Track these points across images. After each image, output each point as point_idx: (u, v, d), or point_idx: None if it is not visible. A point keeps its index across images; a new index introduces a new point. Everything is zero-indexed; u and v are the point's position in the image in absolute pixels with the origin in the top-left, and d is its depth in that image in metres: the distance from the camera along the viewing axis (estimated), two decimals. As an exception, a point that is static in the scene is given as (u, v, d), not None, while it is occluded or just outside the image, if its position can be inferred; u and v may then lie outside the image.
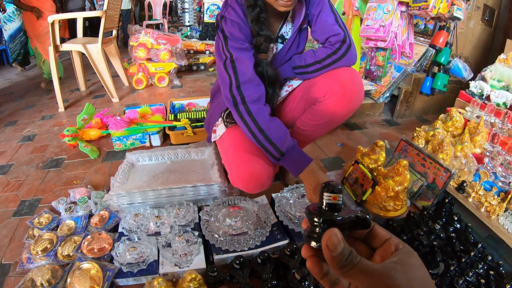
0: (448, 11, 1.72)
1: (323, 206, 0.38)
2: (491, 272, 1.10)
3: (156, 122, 2.12)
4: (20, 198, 1.64)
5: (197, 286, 1.03)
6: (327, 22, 1.28)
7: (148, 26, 5.92)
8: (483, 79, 2.01)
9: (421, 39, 2.62)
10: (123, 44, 6.60)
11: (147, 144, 2.09)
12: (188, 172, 1.65)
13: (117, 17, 3.22)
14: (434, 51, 2.03)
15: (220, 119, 1.43)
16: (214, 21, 1.36)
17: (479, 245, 1.17)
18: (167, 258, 1.14)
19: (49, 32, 2.75)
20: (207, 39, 5.13)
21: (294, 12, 1.33)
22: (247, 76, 1.20)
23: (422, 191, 1.48)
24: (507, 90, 1.85)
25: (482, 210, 1.34)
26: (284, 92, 1.44)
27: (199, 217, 1.31)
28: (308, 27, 1.37)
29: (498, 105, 1.81)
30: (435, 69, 2.02)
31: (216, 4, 5.28)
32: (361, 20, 2.27)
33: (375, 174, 1.41)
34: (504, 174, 1.45)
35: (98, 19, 2.90)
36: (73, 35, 3.78)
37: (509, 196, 1.32)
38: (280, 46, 1.37)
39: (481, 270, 1.10)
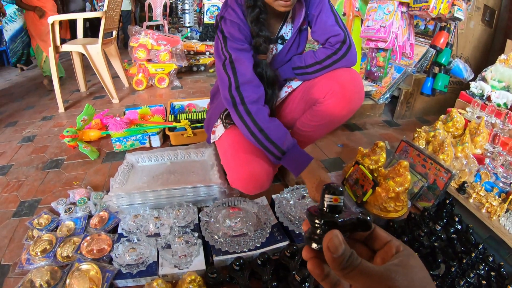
0: (449, 11, 1.72)
1: (324, 208, 0.39)
2: (492, 273, 1.09)
3: (156, 123, 2.11)
4: (20, 199, 1.64)
5: (197, 288, 1.03)
6: (327, 23, 1.27)
7: (148, 27, 5.93)
8: (484, 79, 2.00)
9: (422, 39, 2.62)
10: (123, 45, 6.61)
11: (147, 145, 2.09)
12: (188, 173, 1.64)
13: (117, 18, 3.22)
14: (434, 51, 2.03)
15: (219, 120, 1.42)
16: (214, 22, 1.36)
17: (480, 246, 1.16)
18: (166, 260, 1.13)
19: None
20: (207, 40, 5.14)
21: (294, 12, 1.32)
22: (247, 77, 1.20)
23: (422, 192, 1.47)
24: (508, 91, 1.84)
25: (483, 211, 1.34)
26: (284, 93, 1.44)
27: (199, 218, 1.30)
28: (308, 27, 1.37)
29: (498, 105, 1.81)
30: (436, 69, 2.02)
31: (216, 5, 5.29)
32: (362, 21, 2.26)
33: (375, 175, 1.41)
34: (505, 174, 1.45)
35: (98, 20, 2.91)
36: (74, 36, 3.79)
37: (510, 196, 1.31)
38: (280, 47, 1.37)
39: (482, 271, 1.09)
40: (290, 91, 1.43)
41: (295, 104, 1.44)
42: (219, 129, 1.42)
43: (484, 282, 1.06)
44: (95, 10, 6.56)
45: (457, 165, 1.52)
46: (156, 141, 2.09)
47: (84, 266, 1.11)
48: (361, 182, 1.40)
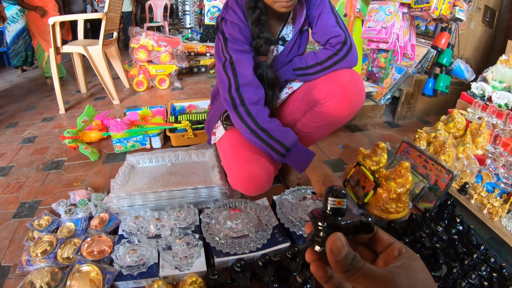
0: (450, 12, 1.71)
1: (328, 211, 0.39)
2: (494, 274, 1.09)
3: (157, 124, 2.11)
4: (20, 200, 1.64)
5: (198, 289, 1.03)
6: (328, 24, 1.27)
7: (149, 28, 5.94)
8: (485, 80, 2.00)
9: (422, 40, 2.62)
10: (124, 46, 6.63)
11: (148, 146, 2.09)
12: (189, 174, 1.64)
13: (117, 19, 3.22)
14: (435, 52, 2.03)
15: (219, 122, 1.42)
16: (215, 23, 1.37)
17: (482, 247, 1.16)
18: (167, 261, 1.13)
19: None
20: (208, 41, 5.14)
21: (294, 13, 1.32)
22: (247, 79, 1.20)
23: (424, 193, 1.47)
24: (509, 91, 1.84)
25: (485, 211, 1.33)
26: (284, 94, 1.44)
27: (200, 219, 1.30)
28: (309, 28, 1.37)
29: (499, 106, 1.81)
30: (437, 70, 2.02)
31: (216, 6, 5.30)
32: (363, 21, 2.26)
33: (377, 176, 1.40)
34: (506, 175, 1.45)
35: (99, 21, 2.91)
36: (75, 37, 3.80)
37: (512, 197, 1.31)
38: (281, 48, 1.37)
39: (484, 272, 1.09)
40: (290, 92, 1.43)
41: (295, 105, 1.44)
42: (219, 131, 1.42)
43: (485, 283, 1.06)
44: (96, 11, 6.57)
45: (458, 166, 1.51)
46: (156, 142, 2.09)
47: (85, 268, 1.11)
48: (362, 183, 1.39)
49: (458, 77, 2.04)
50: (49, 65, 3.42)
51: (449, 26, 1.87)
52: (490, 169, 1.49)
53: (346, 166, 1.59)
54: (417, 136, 1.70)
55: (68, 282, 1.06)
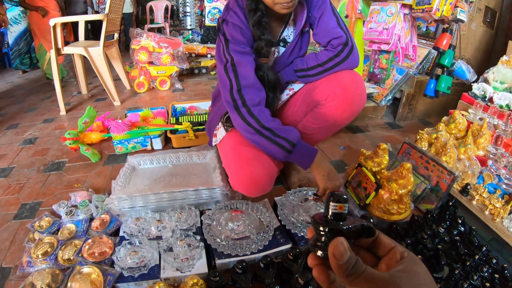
0: (452, 13, 1.71)
1: (329, 216, 0.39)
2: (496, 276, 1.08)
3: (158, 126, 2.11)
4: (21, 201, 1.64)
5: (199, 291, 1.02)
6: (329, 25, 1.27)
7: (149, 29, 5.95)
8: (486, 81, 2.00)
9: (423, 41, 2.62)
10: (125, 47, 6.64)
11: (149, 147, 2.08)
12: (190, 175, 1.64)
13: (118, 20, 3.23)
14: (436, 53, 2.03)
15: (220, 123, 1.42)
16: (215, 24, 1.36)
17: (484, 248, 1.16)
18: (168, 263, 1.13)
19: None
20: (209, 42, 5.15)
21: (295, 15, 1.32)
22: (248, 80, 1.20)
23: (425, 194, 1.47)
24: (510, 92, 1.84)
25: (486, 212, 1.33)
26: (285, 95, 1.43)
27: (201, 221, 1.29)
28: (310, 30, 1.37)
29: (501, 107, 1.80)
30: (439, 71, 2.02)
31: (217, 8, 5.30)
32: (364, 23, 2.26)
33: (378, 177, 1.40)
34: (508, 176, 1.44)
35: (100, 22, 2.91)
36: (76, 38, 3.82)
37: (514, 199, 1.31)
38: (282, 49, 1.37)
39: (486, 274, 1.09)
40: (291, 93, 1.43)
41: (296, 107, 1.43)
42: (220, 132, 1.42)
43: (487, 284, 1.06)
44: (97, 13, 6.58)
45: (460, 167, 1.51)
46: (157, 143, 2.09)
47: (86, 269, 1.10)
48: (364, 184, 1.39)
49: (460, 78, 2.04)
50: (50, 66, 3.43)
51: (451, 27, 1.87)
52: (492, 170, 1.49)
53: (348, 167, 1.58)
54: (418, 137, 1.69)
55: (68, 284, 1.06)
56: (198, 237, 1.22)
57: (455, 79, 2.06)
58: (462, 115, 1.80)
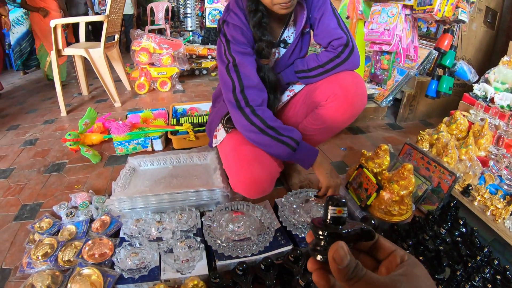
0: (453, 14, 1.71)
1: (328, 220, 0.39)
2: (498, 277, 1.08)
3: (158, 127, 2.11)
4: (21, 202, 1.64)
5: (199, 293, 1.02)
6: (330, 26, 1.27)
7: (150, 31, 5.96)
8: (487, 81, 2.00)
9: (424, 42, 2.62)
10: (126, 48, 6.65)
11: (149, 148, 2.08)
12: (191, 177, 1.64)
13: (119, 21, 3.23)
14: (436, 54, 2.03)
15: (220, 124, 1.42)
16: (216, 25, 1.37)
17: (485, 249, 1.15)
18: (169, 264, 1.12)
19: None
20: (209, 43, 5.15)
21: (296, 16, 1.32)
22: (251, 81, 1.20)
23: (427, 195, 1.46)
24: (511, 92, 1.84)
25: (488, 213, 1.32)
26: (286, 97, 1.43)
27: (202, 222, 1.29)
28: (311, 31, 1.36)
29: (502, 107, 1.80)
30: (440, 72, 2.01)
31: (217, 9, 5.31)
32: (365, 23, 2.26)
33: (379, 178, 1.40)
34: (509, 177, 1.44)
35: (101, 23, 2.91)
36: (77, 40, 3.83)
37: (516, 200, 1.30)
38: (282, 50, 1.37)
39: (488, 275, 1.08)
40: (292, 95, 1.43)
41: (297, 108, 1.43)
42: (220, 133, 1.41)
43: (489, 285, 1.05)
44: (98, 14, 6.59)
45: (461, 167, 1.51)
46: (158, 144, 2.09)
47: (86, 271, 1.10)
48: (365, 185, 1.39)
49: (461, 79, 2.04)
50: (51, 68, 3.44)
51: (452, 27, 1.87)
52: (493, 170, 1.49)
53: (349, 169, 1.58)
54: (419, 138, 1.69)
55: (68, 285, 1.06)
56: (199, 239, 1.22)
57: (456, 79, 2.06)
58: (463, 115, 1.80)
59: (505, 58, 2.00)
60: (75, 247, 1.23)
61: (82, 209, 1.45)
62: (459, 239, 1.23)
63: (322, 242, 0.38)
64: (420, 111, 2.56)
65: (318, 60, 1.29)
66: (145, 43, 3.37)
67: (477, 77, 2.02)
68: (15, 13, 4.04)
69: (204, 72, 4.22)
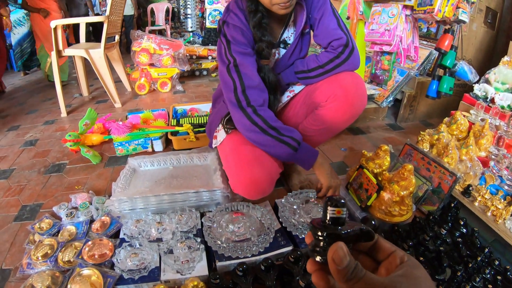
0: (454, 14, 1.71)
1: (327, 220, 0.39)
2: (499, 277, 1.08)
3: (159, 128, 2.11)
4: (21, 203, 1.64)
5: (200, 293, 1.02)
6: (329, 26, 1.27)
7: (150, 31, 5.96)
8: (487, 81, 2.00)
9: (424, 42, 2.61)
10: (126, 49, 6.65)
11: (149, 149, 2.08)
12: (191, 177, 1.63)
13: (119, 22, 3.23)
14: (437, 54, 2.02)
15: (220, 125, 1.42)
16: (216, 26, 1.37)
17: (486, 250, 1.15)
18: (169, 265, 1.12)
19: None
20: (210, 44, 5.14)
21: (295, 16, 1.32)
22: (253, 81, 1.20)
23: (427, 195, 1.46)
24: (511, 93, 1.83)
25: (489, 214, 1.32)
26: (286, 97, 1.43)
27: (202, 223, 1.29)
28: (311, 31, 1.36)
29: (502, 107, 1.80)
30: (441, 72, 2.01)
31: (217, 10, 5.30)
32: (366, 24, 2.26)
33: (380, 178, 1.39)
34: (510, 177, 1.44)
35: (101, 24, 2.92)
36: (77, 41, 3.84)
37: (516, 200, 1.30)
38: (282, 51, 1.37)
39: (488, 275, 1.08)
40: (292, 95, 1.42)
41: (297, 109, 1.43)
42: (220, 134, 1.41)
43: (490, 286, 1.05)
44: (98, 15, 6.61)
45: (462, 168, 1.51)
46: (158, 145, 2.09)
47: (85, 271, 1.10)
48: (365, 186, 1.38)
49: (462, 79, 2.04)
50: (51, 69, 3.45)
51: (452, 28, 1.86)
52: (494, 171, 1.48)
53: (349, 169, 1.58)
54: (420, 138, 1.69)
55: (68, 286, 1.05)
56: (199, 239, 1.22)
57: (456, 80, 2.06)
58: (464, 116, 1.80)
59: (506, 58, 2.00)
60: (75, 248, 1.23)
61: (82, 209, 1.45)
62: (460, 239, 1.22)
63: (321, 243, 0.38)
64: (420, 111, 2.56)
65: (318, 61, 1.29)
66: (145, 44, 3.37)
67: (478, 77, 2.02)
68: (17, 14, 4.06)
69: (205, 72, 4.22)
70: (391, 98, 2.38)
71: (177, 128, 2.06)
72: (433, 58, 2.41)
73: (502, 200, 1.32)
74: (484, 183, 1.46)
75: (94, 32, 6.59)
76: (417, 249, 1.19)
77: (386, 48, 2.03)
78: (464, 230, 1.28)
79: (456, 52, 1.91)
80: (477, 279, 1.05)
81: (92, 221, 1.41)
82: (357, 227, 0.39)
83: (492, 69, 2.00)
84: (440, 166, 1.43)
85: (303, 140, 1.29)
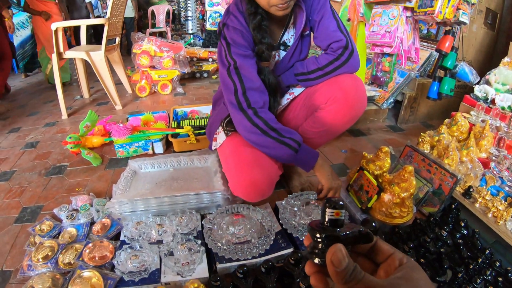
0: (454, 16, 1.71)
1: (326, 222, 0.39)
2: (500, 279, 1.07)
3: (159, 130, 2.11)
4: (22, 205, 1.64)
5: (200, 295, 1.02)
6: (329, 28, 1.27)
7: (151, 34, 5.97)
8: (487, 83, 2.00)
9: (425, 43, 2.62)
10: (127, 51, 6.66)
11: (150, 151, 2.08)
12: (191, 179, 1.63)
13: (120, 24, 3.24)
14: (437, 55, 2.03)
15: (220, 127, 1.42)
16: (217, 28, 1.37)
17: (487, 251, 1.15)
18: (169, 267, 1.12)
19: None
20: (210, 46, 5.16)
21: (295, 18, 1.32)
22: (253, 83, 1.20)
23: (428, 197, 1.46)
24: (512, 94, 1.84)
25: (489, 215, 1.32)
26: (286, 100, 1.43)
27: (202, 225, 1.29)
28: (311, 33, 1.36)
29: (503, 108, 1.80)
30: (442, 73, 2.01)
31: (218, 12, 5.32)
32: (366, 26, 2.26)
33: (380, 180, 1.39)
34: (511, 178, 1.43)
35: (102, 26, 2.92)
36: (78, 43, 3.86)
37: (517, 201, 1.30)
38: (282, 53, 1.37)
39: (489, 277, 1.08)
40: (292, 98, 1.42)
41: (297, 111, 1.43)
42: (220, 136, 1.41)
43: (491, 287, 1.05)
44: (99, 17, 6.63)
45: (462, 169, 1.50)
46: (159, 147, 2.09)
47: (86, 273, 1.10)
48: (365, 188, 1.38)
49: (462, 80, 2.04)
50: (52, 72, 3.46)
51: (453, 29, 1.87)
52: (495, 172, 1.48)
53: (350, 171, 1.58)
54: (420, 140, 1.69)
55: (69, 288, 1.06)
56: (199, 241, 1.22)
57: (457, 81, 2.06)
58: (464, 117, 1.79)
59: (506, 59, 2.00)
60: (76, 250, 1.23)
61: (82, 211, 1.45)
62: (461, 241, 1.22)
63: (320, 245, 0.38)
64: (421, 113, 2.56)
65: (317, 63, 1.29)
66: (146, 46, 3.38)
67: (478, 78, 2.02)
68: (20, 17, 4.08)
69: (205, 75, 4.22)
70: (392, 100, 2.38)
71: (177, 130, 2.07)
72: (433, 59, 2.41)
73: (503, 201, 1.32)
74: (485, 184, 1.46)
75: (95, 35, 6.61)
76: (418, 251, 1.19)
77: (387, 50, 2.04)
78: (465, 231, 1.27)
79: (456, 54, 1.92)
80: (478, 281, 1.04)
81: (92, 223, 1.41)
82: (356, 229, 0.39)
83: (493, 70, 2.00)
84: (440, 168, 1.43)
85: (303, 142, 1.29)
